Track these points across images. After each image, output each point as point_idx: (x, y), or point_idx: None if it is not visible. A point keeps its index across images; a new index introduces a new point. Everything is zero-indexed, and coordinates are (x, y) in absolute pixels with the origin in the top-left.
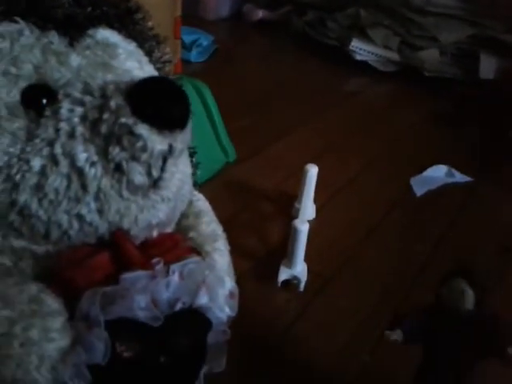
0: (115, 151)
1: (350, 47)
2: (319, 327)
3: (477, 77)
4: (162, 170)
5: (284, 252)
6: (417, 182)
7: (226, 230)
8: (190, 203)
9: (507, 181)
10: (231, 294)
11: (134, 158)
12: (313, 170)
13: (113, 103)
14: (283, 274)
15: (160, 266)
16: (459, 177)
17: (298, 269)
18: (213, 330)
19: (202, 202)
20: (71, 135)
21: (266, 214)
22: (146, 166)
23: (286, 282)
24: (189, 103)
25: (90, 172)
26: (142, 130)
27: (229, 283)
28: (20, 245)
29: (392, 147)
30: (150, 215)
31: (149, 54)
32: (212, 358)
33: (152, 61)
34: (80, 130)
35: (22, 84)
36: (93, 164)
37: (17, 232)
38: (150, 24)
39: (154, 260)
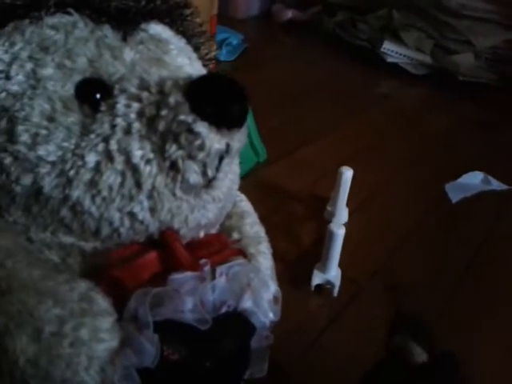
0: (172, 149)
1: (382, 49)
2: (352, 334)
3: None
4: (217, 169)
5: (316, 255)
6: (452, 189)
7: None
8: (234, 204)
9: None
10: (275, 299)
11: (191, 157)
12: (348, 173)
13: (172, 100)
14: (317, 279)
15: (207, 268)
16: (496, 184)
17: (332, 273)
18: (256, 335)
19: (245, 203)
20: (127, 131)
21: (298, 216)
22: (201, 165)
23: (319, 287)
24: (247, 101)
25: (145, 169)
26: (201, 127)
27: (273, 287)
28: (69, 241)
29: (425, 152)
30: (200, 215)
31: (196, 50)
32: (254, 363)
33: (198, 58)
34: (136, 126)
35: (77, 77)
36: (148, 161)
37: (67, 228)
38: (198, 20)
39: (202, 261)
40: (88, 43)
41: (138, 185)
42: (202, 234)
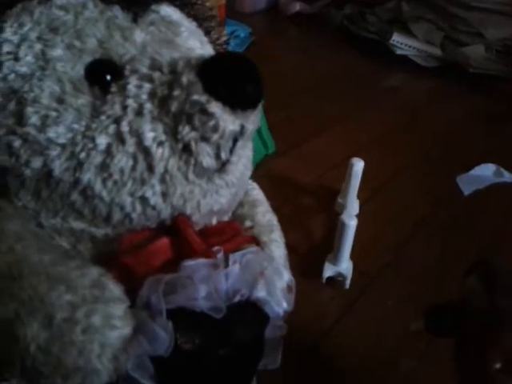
0: (185, 130)
1: (391, 41)
2: (364, 326)
3: None
4: (231, 152)
5: (327, 247)
6: (464, 181)
7: None
8: (246, 192)
9: None
10: (288, 288)
11: (204, 139)
12: (358, 164)
13: (184, 79)
14: (328, 271)
15: (221, 255)
16: (508, 176)
17: (344, 266)
18: (269, 324)
19: (257, 191)
20: (139, 113)
21: (308, 208)
22: (215, 147)
23: (331, 279)
24: (262, 81)
25: (157, 152)
26: (215, 108)
27: (286, 276)
28: (79, 227)
29: (435, 144)
30: (212, 201)
31: (206, 34)
32: (268, 354)
33: (209, 42)
34: (148, 107)
35: (86, 58)
36: (160, 143)
37: (77, 213)
38: (208, 4)
39: (215, 248)
40: (98, 24)
41: (150, 168)
42: (214, 221)
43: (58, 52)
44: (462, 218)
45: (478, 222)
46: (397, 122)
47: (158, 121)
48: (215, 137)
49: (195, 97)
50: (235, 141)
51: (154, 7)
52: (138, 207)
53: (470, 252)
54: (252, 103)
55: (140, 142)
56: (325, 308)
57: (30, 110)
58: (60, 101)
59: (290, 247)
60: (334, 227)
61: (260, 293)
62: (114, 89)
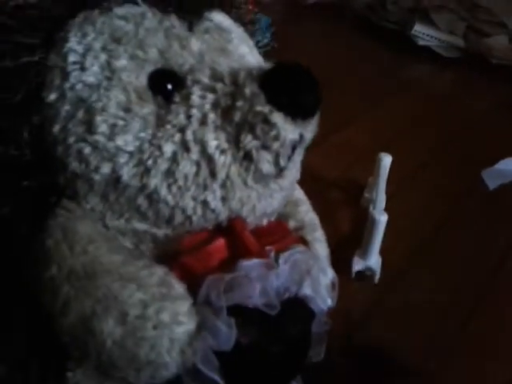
0: (247, 139)
1: (413, 32)
2: (393, 321)
3: None
4: (289, 159)
5: (355, 242)
6: (489, 175)
7: None
8: None
9: None
10: (332, 285)
11: (265, 147)
12: (386, 159)
13: (247, 90)
14: (357, 265)
15: (272, 255)
16: None
17: (373, 260)
18: (315, 321)
19: (298, 191)
20: (203, 122)
21: (334, 202)
22: (274, 155)
23: (360, 274)
24: (320, 91)
25: (220, 159)
26: (277, 118)
27: (330, 274)
28: (142, 228)
29: (460, 137)
30: (266, 204)
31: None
32: (313, 348)
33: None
34: (212, 117)
35: (149, 68)
36: (223, 151)
37: (141, 215)
38: (249, 7)
39: (267, 248)
40: (158, 34)
41: (213, 174)
42: (265, 222)
43: (122, 62)
44: (489, 212)
45: (504, 216)
46: (420, 114)
47: (220, 130)
48: (276, 145)
49: (258, 108)
50: (294, 148)
51: (207, 15)
52: (199, 210)
53: (499, 246)
54: (311, 113)
55: (204, 149)
56: (355, 302)
57: (99, 118)
58: (127, 110)
59: None
60: (362, 221)
61: (306, 290)
62: (177, 99)
